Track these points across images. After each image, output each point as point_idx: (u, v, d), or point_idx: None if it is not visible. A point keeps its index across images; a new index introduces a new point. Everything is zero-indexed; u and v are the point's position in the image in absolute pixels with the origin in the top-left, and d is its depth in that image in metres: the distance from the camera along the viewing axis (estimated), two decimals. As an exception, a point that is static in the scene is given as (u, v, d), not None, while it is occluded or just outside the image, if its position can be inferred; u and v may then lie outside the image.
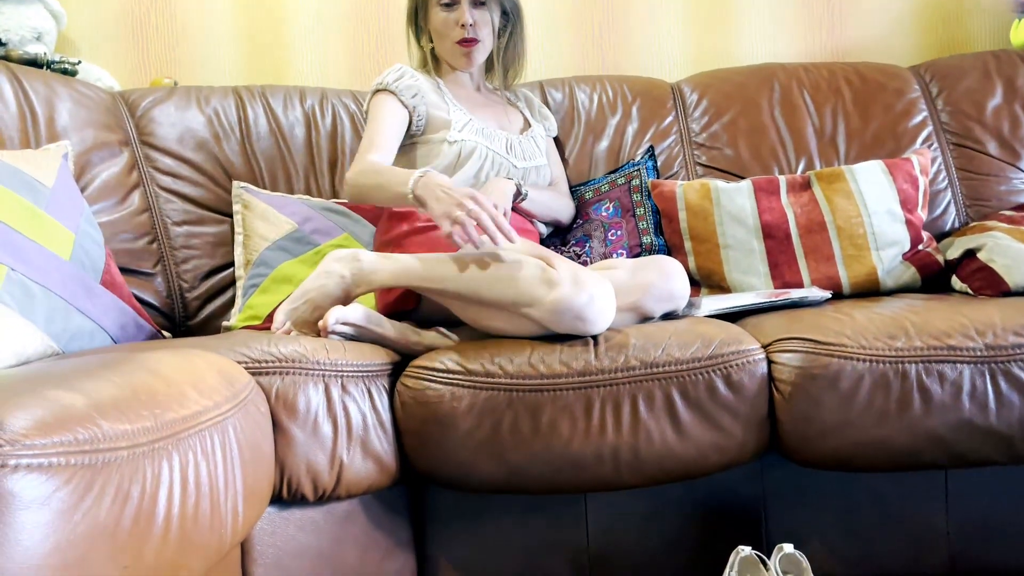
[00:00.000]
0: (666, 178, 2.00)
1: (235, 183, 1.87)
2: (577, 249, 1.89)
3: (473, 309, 1.43)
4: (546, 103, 2.04)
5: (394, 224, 1.64)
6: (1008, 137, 2.01)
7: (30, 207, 1.40)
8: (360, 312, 1.42)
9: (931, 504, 1.41)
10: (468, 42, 1.76)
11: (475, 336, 1.46)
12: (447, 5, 1.76)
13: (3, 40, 1.94)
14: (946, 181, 2.00)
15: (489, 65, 1.90)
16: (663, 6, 2.29)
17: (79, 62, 2.06)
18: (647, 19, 2.30)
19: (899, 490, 1.42)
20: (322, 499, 1.27)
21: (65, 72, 2.00)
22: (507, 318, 1.38)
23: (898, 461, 1.31)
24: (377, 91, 1.75)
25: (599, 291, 1.34)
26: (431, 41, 1.82)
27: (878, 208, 1.78)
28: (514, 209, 1.73)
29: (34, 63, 1.92)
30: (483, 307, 1.40)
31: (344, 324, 1.40)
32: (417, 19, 1.83)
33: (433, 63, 1.85)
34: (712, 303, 1.62)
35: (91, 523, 0.72)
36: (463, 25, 1.75)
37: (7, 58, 1.90)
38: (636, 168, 1.94)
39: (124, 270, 1.67)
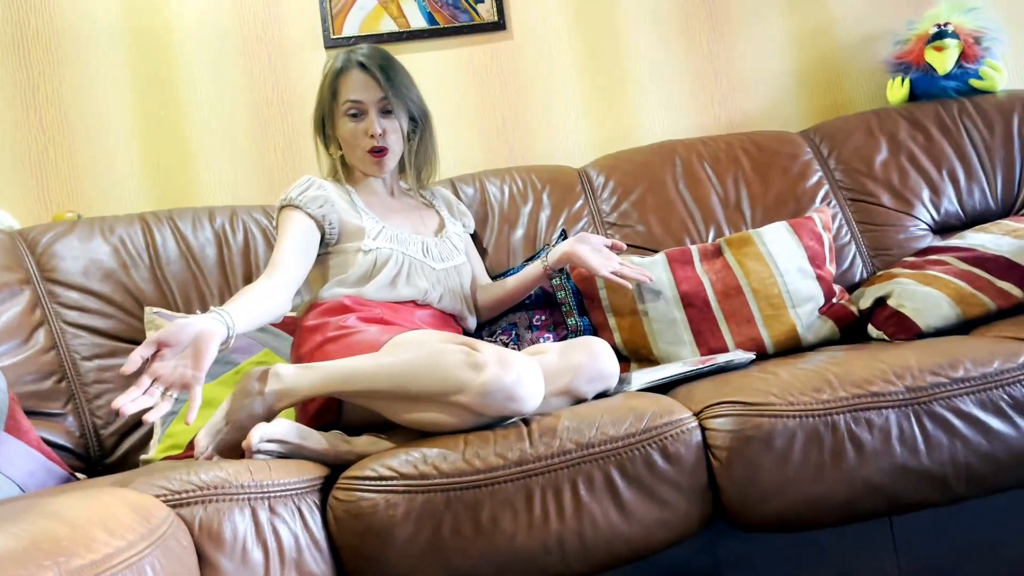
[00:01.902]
0: (583, 259, 2.02)
1: (147, 309, 1.81)
2: (504, 338, 1.88)
3: (402, 406, 1.39)
4: (458, 199, 2.06)
5: (307, 336, 1.60)
6: (899, 187, 2.11)
7: (-78, 357, 1.33)
8: (285, 427, 1.38)
9: (880, 553, 1.41)
10: (378, 152, 1.76)
11: (409, 437, 1.42)
12: (354, 115, 1.75)
13: None
14: (849, 235, 2.08)
15: (401, 167, 1.89)
16: (561, 95, 2.38)
17: (-25, 204, 2.01)
18: (547, 108, 2.37)
19: (848, 543, 1.41)
20: (258, 633, 1.19)
21: (-40, 216, 1.95)
22: (438, 408, 1.35)
23: (840, 514, 1.31)
24: (283, 207, 1.72)
25: (525, 368, 1.33)
26: (339, 149, 1.82)
27: (789, 267, 1.83)
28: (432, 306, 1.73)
29: (-75, 209, 1.86)
30: (412, 402, 1.37)
31: (269, 441, 1.35)
32: (324, 128, 1.83)
33: (343, 171, 1.84)
34: (642, 377, 1.62)
35: None
36: (372, 135, 1.75)
37: None
38: (552, 253, 1.96)
39: (31, 413, 1.59)
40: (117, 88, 2.22)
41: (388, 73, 1.75)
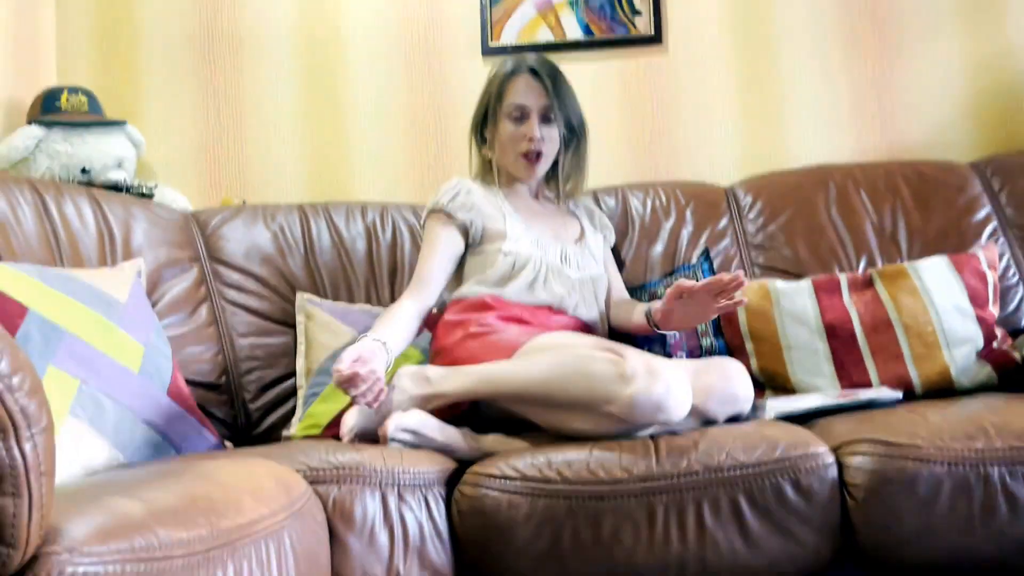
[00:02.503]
0: (724, 280, 1.98)
1: (299, 294, 1.92)
2: (636, 353, 1.87)
3: (546, 412, 1.42)
4: (600, 210, 2.06)
5: (448, 330, 1.65)
6: (1078, 230, 1.95)
7: (103, 321, 1.45)
8: (418, 419, 1.43)
9: (1028, 619, 1.30)
10: (533, 156, 1.80)
11: (537, 438, 1.44)
12: (516, 119, 1.79)
13: (87, 168, 2.07)
14: (1016, 276, 1.94)
15: (548, 176, 1.92)
16: (712, 112, 2.34)
17: (156, 185, 2.18)
18: (697, 125, 2.34)
19: (992, 604, 1.31)
20: (379, 613, 1.23)
21: (142, 195, 2.12)
22: (584, 417, 1.37)
23: (986, 571, 1.23)
24: (432, 212, 1.79)
25: (675, 379, 1.34)
26: (492, 151, 1.86)
27: (946, 305, 1.73)
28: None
29: (115, 188, 2.04)
30: (557, 409, 1.40)
31: (404, 431, 1.41)
32: (482, 129, 1.88)
33: (493, 173, 1.89)
34: (778, 405, 1.57)
35: (144, 632, 0.71)
36: (531, 139, 1.78)
37: (90, 184, 2.03)
38: (692, 270, 1.94)
39: (190, 382, 1.70)
40: (287, 86, 2.36)
41: (556, 82, 1.80)
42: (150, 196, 2.14)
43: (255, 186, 2.35)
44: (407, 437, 1.40)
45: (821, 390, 1.70)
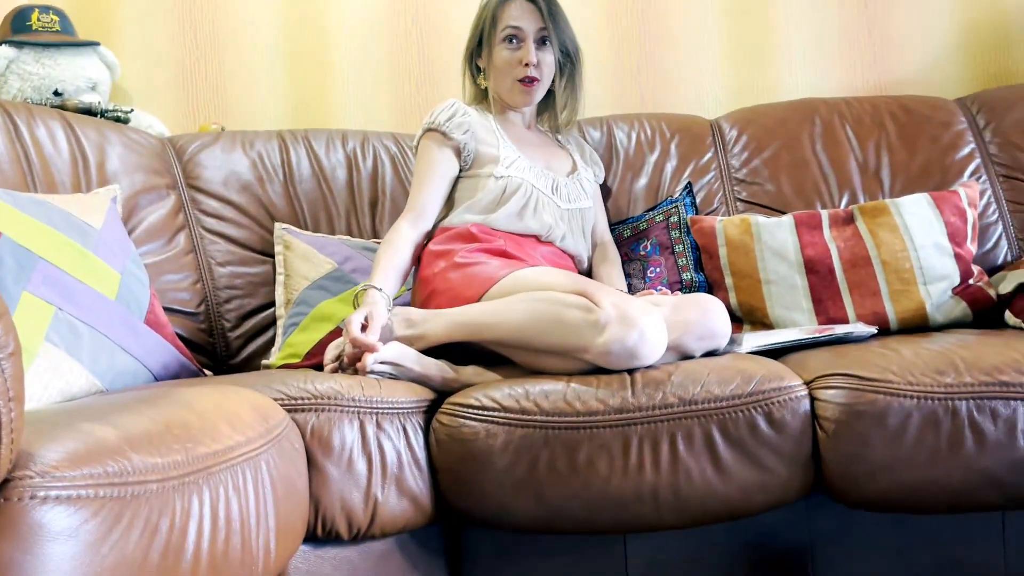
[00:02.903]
0: (705, 214, 1.98)
1: (277, 224, 1.90)
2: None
3: (527, 356, 1.45)
4: (585, 141, 2.04)
5: (431, 260, 1.65)
6: (1060, 168, 1.95)
7: (78, 248, 1.44)
8: (397, 351, 1.43)
9: (988, 548, 1.35)
10: (529, 81, 1.78)
11: (515, 371, 1.46)
12: (512, 44, 1.77)
13: (60, 91, 2.02)
14: (996, 214, 1.95)
15: (541, 107, 1.91)
16: (701, 43, 2.30)
17: (131, 110, 2.14)
18: (685, 57, 2.30)
19: (953, 533, 1.36)
20: (357, 538, 1.26)
21: (118, 120, 2.08)
22: (560, 361, 1.40)
23: (952, 503, 1.26)
24: (427, 131, 1.76)
25: (648, 325, 1.35)
26: (487, 79, 1.84)
27: (925, 242, 1.74)
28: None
29: (89, 112, 1.99)
30: (536, 353, 1.43)
31: (382, 363, 1.41)
32: (475, 57, 1.86)
33: (488, 101, 1.86)
34: (754, 340, 1.59)
35: (119, 556, 0.72)
36: (527, 64, 1.76)
37: (63, 107, 1.98)
38: (674, 204, 1.93)
39: (168, 310, 1.70)
40: (268, 9, 2.29)
41: (551, 5, 1.79)
42: (126, 121, 2.09)
43: (234, 112, 2.30)
44: (386, 369, 1.40)
45: (799, 325, 1.72)
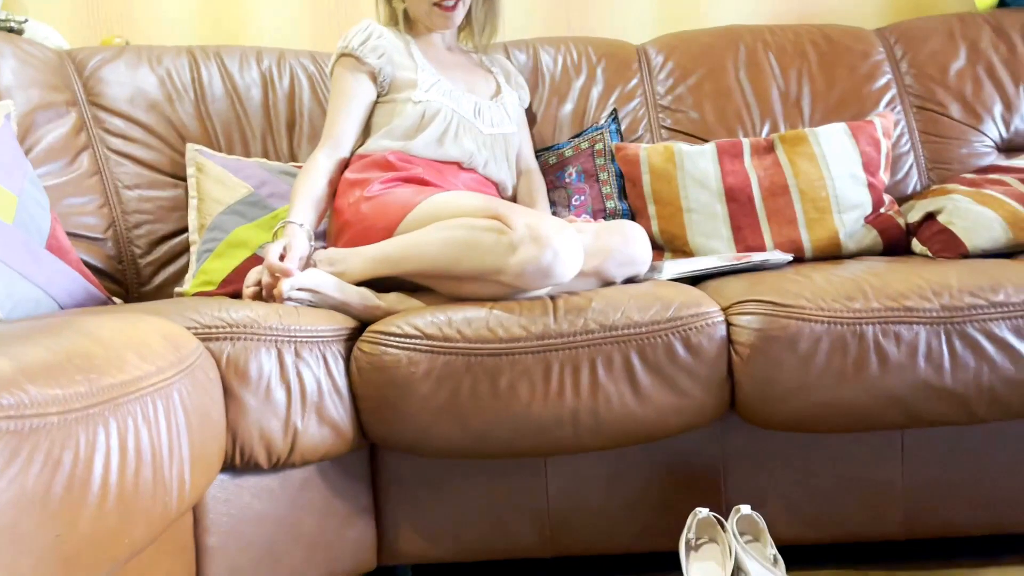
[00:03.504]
0: (630, 141, 1.97)
1: (189, 145, 1.81)
2: (540, 213, 1.87)
3: (446, 283, 1.43)
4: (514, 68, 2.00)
5: (347, 189, 1.61)
6: (970, 100, 2.00)
7: (-31, 169, 1.35)
8: (316, 278, 1.40)
9: (887, 464, 1.42)
10: (448, 4, 1.71)
11: (437, 298, 1.44)
12: None
13: (-58, -4, 1.86)
14: (909, 144, 2.00)
15: (462, 25, 1.84)
16: (628, -34, 2.25)
17: (26, 20, 1.99)
18: (612, -21, 2.26)
19: (856, 451, 1.42)
20: (277, 466, 1.25)
21: (11, 31, 1.93)
22: (480, 286, 1.39)
23: (856, 422, 1.32)
24: (341, 56, 1.70)
25: (561, 244, 1.34)
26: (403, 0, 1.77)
27: (841, 171, 1.77)
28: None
29: (-24, 21, 1.85)
30: (456, 280, 1.41)
31: (300, 290, 1.38)
32: None
33: (404, 22, 1.79)
34: (674, 267, 1.61)
35: (19, 490, 0.69)
36: None
37: (-53, 15, 1.83)
38: (599, 132, 1.92)
39: (73, 235, 1.62)
40: (172, -89, 2.14)
41: None
42: (20, 32, 1.95)
43: (139, 25, 2.17)
44: (304, 296, 1.38)
45: (718, 252, 1.75)
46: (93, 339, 0.88)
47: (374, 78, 1.69)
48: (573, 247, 1.35)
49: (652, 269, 1.57)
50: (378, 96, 1.71)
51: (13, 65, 1.68)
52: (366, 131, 1.71)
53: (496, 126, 1.76)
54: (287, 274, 1.39)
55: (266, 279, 1.42)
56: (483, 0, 1.81)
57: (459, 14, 1.75)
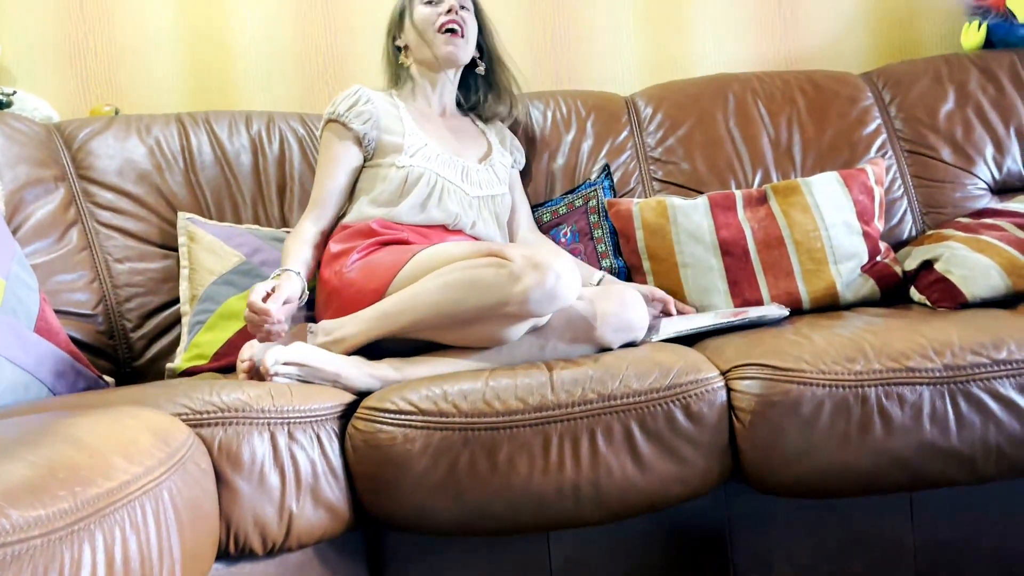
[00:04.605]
0: (623, 194, 1.97)
1: (180, 214, 1.80)
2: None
3: (450, 330, 1.42)
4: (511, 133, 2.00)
5: (331, 260, 1.60)
6: (961, 142, 2.00)
7: (-45, 255, 1.33)
8: (301, 351, 1.38)
9: (897, 523, 1.40)
10: (452, 30, 1.74)
11: (434, 361, 1.42)
12: (430, 2, 1.77)
13: (-70, 74, 1.87)
14: (902, 189, 1.99)
15: (466, 91, 1.89)
16: (614, 16, 2.26)
17: (14, 92, 1.99)
18: (599, 29, 2.27)
19: (864, 510, 1.40)
20: (272, 552, 1.22)
21: (0, 104, 1.94)
22: (485, 323, 1.39)
23: (862, 486, 1.29)
24: (328, 121, 1.73)
25: (561, 266, 1.37)
26: (408, 56, 1.81)
27: (835, 221, 1.76)
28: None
29: (-37, 97, 1.85)
30: (460, 324, 1.40)
31: (286, 364, 1.36)
32: (396, 35, 1.83)
33: (401, 84, 1.83)
34: (672, 325, 1.59)
35: (-1, 625, 0.67)
36: (449, 9, 1.74)
37: (-66, 93, 1.83)
38: (593, 188, 1.91)
39: (63, 313, 1.60)
40: (160, -22, 2.16)
41: None
42: (8, 105, 1.96)
43: (128, 92, 2.17)
44: (292, 371, 1.36)
45: (716, 307, 1.73)
46: (78, 446, 0.86)
47: (360, 143, 1.69)
48: (572, 270, 1.39)
49: (649, 328, 1.56)
50: (365, 161, 1.71)
51: (1, 143, 1.67)
52: (352, 196, 1.71)
53: (484, 188, 1.76)
54: (266, 315, 1.40)
55: (247, 314, 1.43)
56: (492, 68, 1.87)
57: (463, 46, 1.77)
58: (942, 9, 2.30)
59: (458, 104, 1.89)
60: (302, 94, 2.21)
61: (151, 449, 0.98)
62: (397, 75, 1.84)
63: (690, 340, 1.54)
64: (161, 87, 2.17)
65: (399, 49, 1.84)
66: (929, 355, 1.29)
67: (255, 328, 1.43)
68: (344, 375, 1.39)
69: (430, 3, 1.77)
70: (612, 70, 2.28)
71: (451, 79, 1.84)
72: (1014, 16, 2.13)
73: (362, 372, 1.41)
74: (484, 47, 1.86)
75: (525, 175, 1.98)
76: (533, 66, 2.26)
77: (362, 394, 1.38)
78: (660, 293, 1.71)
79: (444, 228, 1.68)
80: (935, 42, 2.31)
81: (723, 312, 1.66)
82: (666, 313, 1.70)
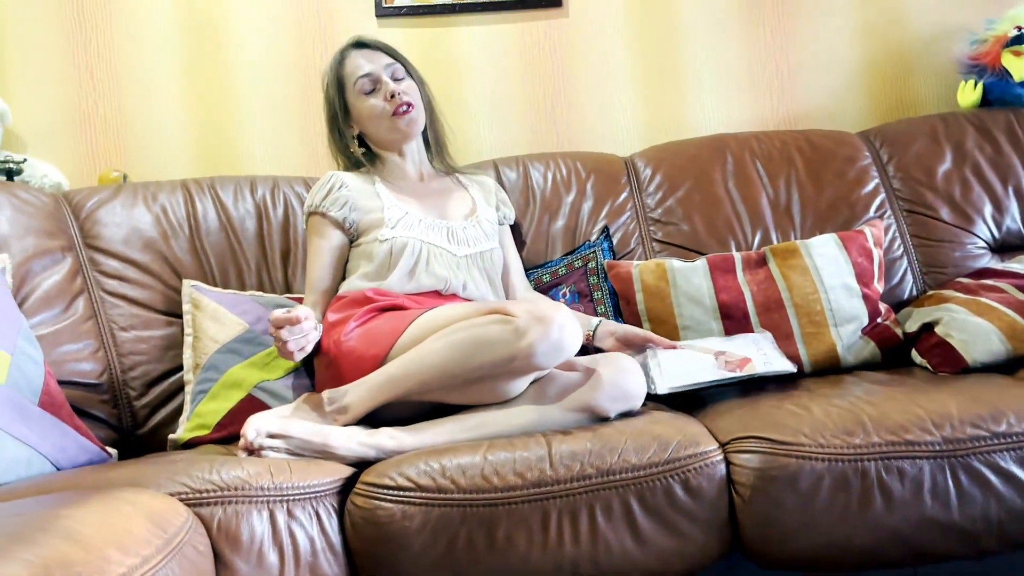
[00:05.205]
0: (623, 256, 1.98)
1: (185, 282, 1.82)
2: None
3: (458, 392, 1.43)
4: (500, 182, 2.02)
5: (330, 330, 1.61)
6: (960, 202, 2.02)
7: (-38, 332, 1.35)
8: (279, 422, 1.41)
9: (901, 596, 1.38)
10: (403, 110, 1.76)
11: (433, 427, 1.42)
12: (369, 92, 1.77)
13: (-58, 145, 1.91)
14: (901, 249, 2.00)
15: (426, 146, 1.89)
16: (613, 78, 2.30)
17: (24, 160, 2.03)
18: (598, 92, 2.30)
19: (868, 582, 1.38)
20: (270, 632, 1.21)
21: (10, 172, 1.98)
22: (494, 380, 1.40)
23: (862, 561, 1.28)
24: (308, 215, 1.76)
25: (563, 318, 1.38)
26: (360, 145, 1.83)
27: (834, 283, 1.77)
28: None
29: (-26, 167, 1.89)
30: (467, 385, 1.41)
31: (269, 436, 1.37)
32: (339, 126, 1.82)
33: (369, 163, 1.83)
34: (672, 378, 1.56)
35: None
36: (393, 95, 1.75)
37: (-54, 164, 1.87)
38: (592, 250, 1.93)
39: (68, 383, 1.62)
40: (168, 46, 2.21)
41: (384, 45, 1.82)
42: (18, 173, 1.99)
43: (136, 156, 2.21)
44: (278, 443, 1.37)
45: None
46: (72, 541, 0.87)
47: (342, 227, 1.73)
48: (574, 321, 1.41)
49: (646, 367, 1.56)
50: (351, 241, 1.75)
51: (9, 215, 1.70)
52: (345, 275, 1.74)
53: (472, 245, 1.77)
54: (292, 321, 1.43)
55: (272, 330, 1.46)
56: (430, 118, 1.87)
57: (417, 118, 1.78)
58: (938, 68, 2.33)
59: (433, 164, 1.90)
60: (306, 157, 2.25)
61: (148, 537, 0.98)
62: (358, 161, 1.83)
63: (687, 397, 1.54)
64: (168, 151, 2.21)
65: (344, 136, 1.83)
66: (928, 428, 1.28)
67: (283, 340, 1.44)
68: (333, 446, 1.39)
69: (370, 93, 1.77)
70: (611, 131, 2.31)
71: (417, 143, 1.85)
72: (1010, 75, 2.15)
73: (353, 441, 1.40)
74: (422, 99, 1.84)
75: (525, 236, 1.99)
76: (533, 128, 2.30)
77: (360, 464, 1.38)
78: (642, 333, 1.69)
79: (437, 294, 1.69)
80: (932, 100, 2.34)
81: (728, 355, 1.61)
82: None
